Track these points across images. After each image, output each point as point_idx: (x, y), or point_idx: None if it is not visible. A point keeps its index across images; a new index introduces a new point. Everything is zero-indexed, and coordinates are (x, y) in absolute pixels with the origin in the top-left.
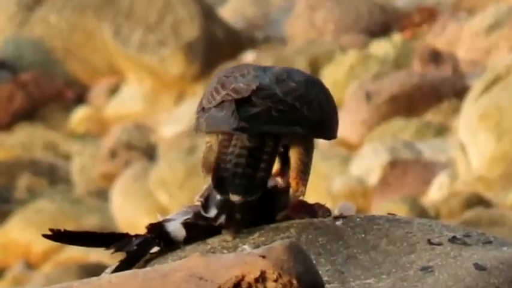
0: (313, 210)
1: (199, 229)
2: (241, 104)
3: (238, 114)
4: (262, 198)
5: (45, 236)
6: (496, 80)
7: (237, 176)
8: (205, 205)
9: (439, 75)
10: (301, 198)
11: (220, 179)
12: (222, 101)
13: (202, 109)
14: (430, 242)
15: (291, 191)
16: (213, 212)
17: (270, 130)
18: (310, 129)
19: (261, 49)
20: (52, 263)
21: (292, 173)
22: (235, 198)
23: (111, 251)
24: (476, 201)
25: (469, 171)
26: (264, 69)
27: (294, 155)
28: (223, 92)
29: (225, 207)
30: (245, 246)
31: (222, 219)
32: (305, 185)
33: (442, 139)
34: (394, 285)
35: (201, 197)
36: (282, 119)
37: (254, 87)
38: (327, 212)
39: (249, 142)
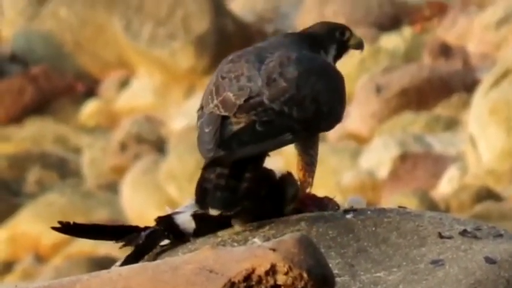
0: (322, 204)
1: (208, 221)
2: (227, 117)
3: (220, 134)
4: (271, 190)
5: (54, 228)
6: (506, 74)
7: (219, 188)
8: None
9: (449, 69)
10: (309, 190)
11: (203, 190)
12: (212, 111)
13: (201, 108)
14: (440, 236)
15: (299, 182)
16: None
17: (246, 154)
18: (304, 129)
19: None
20: (62, 256)
21: (298, 165)
22: (213, 212)
23: (120, 244)
24: (487, 194)
25: (479, 165)
26: (261, 60)
27: (298, 147)
28: (215, 100)
29: None
30: (255, 239)
31: None
32: (312, 176)
33: (452, 133)
34: (405, 279)
35: None
36: (266, 131)
37: (241, 100)
38: (336, 205)
39: None
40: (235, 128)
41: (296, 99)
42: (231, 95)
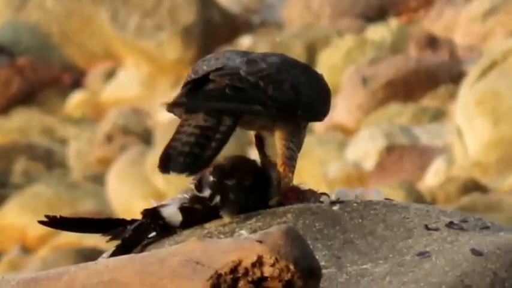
0: (305, 197)
1: (196, 213)
2: (198, 84)
3: (187, 92)
4: (256, 181)
5: (41, 222)
6: (492, 65)
7: (182, 154)
8: (199, 186)
9: (436, 60)
10: (291, 184)
11: (167, 156)
12: (186, 83)
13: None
14: (427, 227)
15: (280, 177)
16: (207, 192)
17: (208, 107)
18: (276, 109)
19: (258, 33)
20: (48, 247)
21: (278, 160)
22: (173, 174)
23: (107, 238)
24: (473, 186)
25: (465, 157)
26: (246, 54)
27: (278, 141)
28: (190, 74)
29: (219, 187)
30: (242, 231)
31: (217, 199)
32: (292, 171)
33: (439, 124)
34: (391, 270)
35: (194, 179)
36: (236, 97)
37: (214, 68)
38: (319, 198)
39: (204, 121)
40: (206, 88)
41: (273, 79)
42: (205, 67)
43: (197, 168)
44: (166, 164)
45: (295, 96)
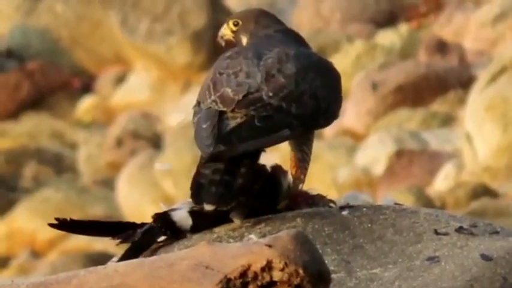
0: (314, 201)
1: (205, 217)
2: (225, 113)
3: (218, 129)
4: (266, 183)
5: (51, 225)
6: (502, 71)
7: (214, 183)
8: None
9: (445, 66)
10: (301, 187)
11: (198, 185)
12: (210, 107)
13: (198, 104)
14: (436, 232)
15: (291, 179)
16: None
17: (246, 149)
18: (302, 125)
19: None
20: (57, 252)
21: (291, 162)
22: (208, 207)
23: (117, 242)
24: (482, 191)
25: (475, 162)
26: (259, 57)
27: (292, 143)
28: (213, 96)
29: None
30: (251, 236)
31: None
32: (304, 174)
33: (448, 129)
34: (401, 275)
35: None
36: (265, 126)
37: (240, 96)
38: (328, 203)
39: None
40: (234, 123)
41: (294, 95)
42: (229, 90)
43: (231, 198)
44: (198, 195)
45: (315, 104)
